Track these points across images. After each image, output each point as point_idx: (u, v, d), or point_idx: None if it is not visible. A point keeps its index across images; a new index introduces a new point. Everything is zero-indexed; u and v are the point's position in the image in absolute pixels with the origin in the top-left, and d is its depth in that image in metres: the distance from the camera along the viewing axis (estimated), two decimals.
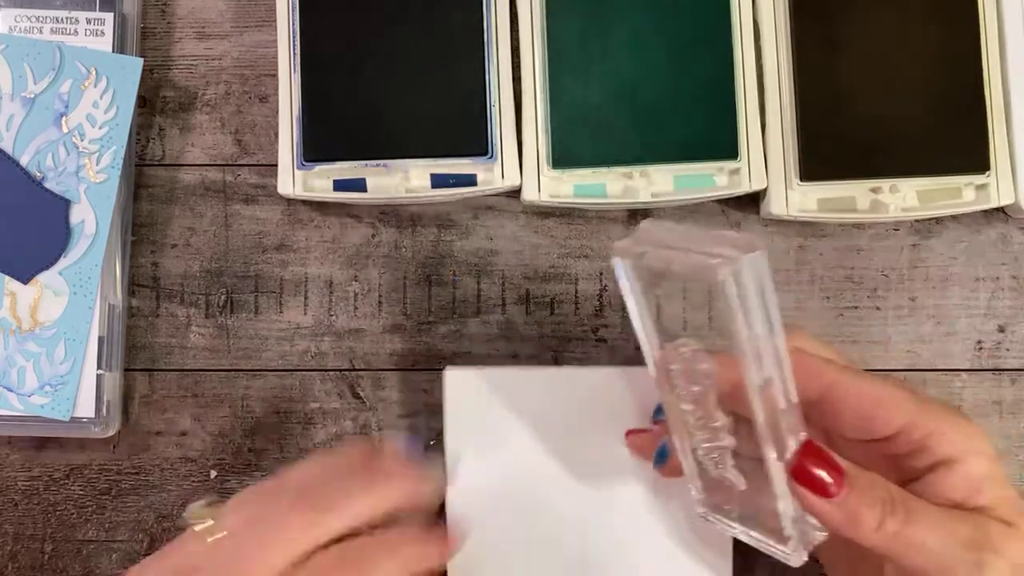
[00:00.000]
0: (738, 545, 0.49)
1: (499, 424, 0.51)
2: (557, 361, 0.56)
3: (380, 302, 0.56)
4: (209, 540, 0.42)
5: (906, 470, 0.42)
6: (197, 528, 0.43)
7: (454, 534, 0.49)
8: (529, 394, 0.51)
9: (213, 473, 0.56)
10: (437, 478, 0.49)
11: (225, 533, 0.42)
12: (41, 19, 0.55)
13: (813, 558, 0.44)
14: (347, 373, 0.56)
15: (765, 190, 0.55)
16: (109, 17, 0.55)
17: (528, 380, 0.52)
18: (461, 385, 0.51)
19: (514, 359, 0.56)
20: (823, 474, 0.40)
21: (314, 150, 0.54)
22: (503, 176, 0.54)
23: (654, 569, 0.51)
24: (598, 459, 0.51)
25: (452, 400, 0.51)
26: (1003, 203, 0.54)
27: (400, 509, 0.45)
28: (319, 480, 0.45)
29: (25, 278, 0.54)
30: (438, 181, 0.55)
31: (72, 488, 0.56)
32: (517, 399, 0.51)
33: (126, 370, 0.56)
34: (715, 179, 0.55)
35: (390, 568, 0.43)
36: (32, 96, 0.54)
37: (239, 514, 0.43)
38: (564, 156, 0.54)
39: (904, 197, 0.54)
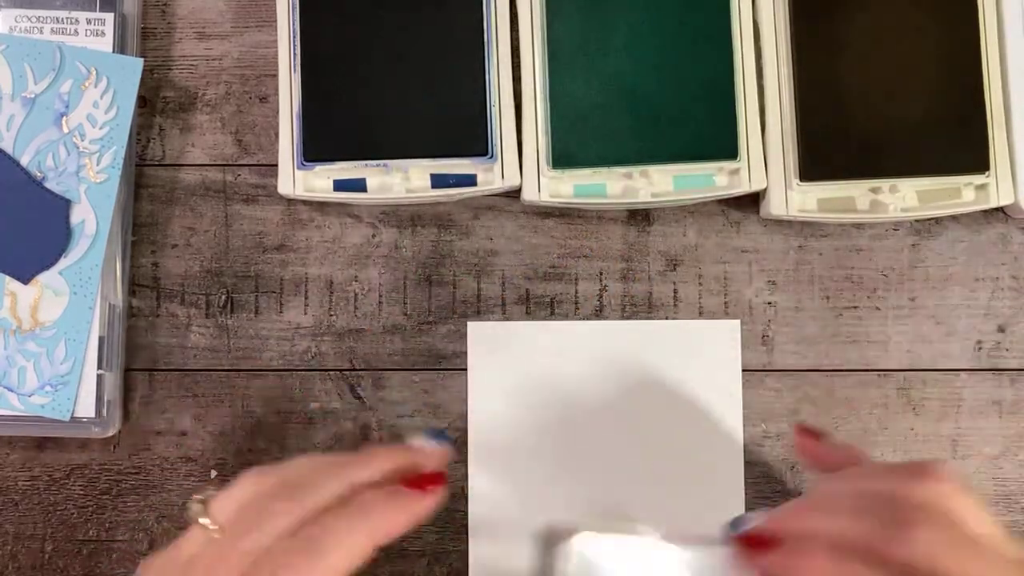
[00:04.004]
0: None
1: (518, 372, 0.56)
2: None
3: (380, 302, 0.56)
4: (210, 532, 0.43)
5: None
6: (200, 521, 0.43)
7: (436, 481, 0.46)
8: (546, 345, 0.56)
9: (213, 473, 0.56)
10: (436, 454, 0.47)
11: (218, 527, 0.43)
12: (41, 19, 0.55)
13: None
14: (347, 373, 0.56)
15: (765, 190, 0.55)
16: (109, 17, 0.55)
17: (545, 332, 0.56)
18: (482, 337, 0.56)
19: None
20: None
21: (314, 150, 0.54)
22: (503, 176, 0.54)
23: (671, 497, 0.55)
24: (611, 406, 0.56)
25: (474, 352, 0.56)
26: (1003, 203, 0.54)
27: (390, 474, 0.44)
28: (307, 466, 0.44)
29: (25, 278, 0.54)
30: (438, 181, 0.55)
31: (72, 488, 0.56)
32: (534, 349, 0.56)
33: (126, 370, 0.56)
34: (715, 179, 0.55)
35: (351, 542, 0.42)
36: (32, 96, 0.54)
37: (229, 505, 0.43)
38: (564, 156, 0.54)
39: (904, 197, 0.54)
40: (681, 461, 0.55)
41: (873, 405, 0.56)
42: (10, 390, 0.53)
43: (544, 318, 0.56)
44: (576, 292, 0.56)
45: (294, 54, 0.54)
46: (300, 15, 0.54)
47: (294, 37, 0.54)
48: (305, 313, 0.56)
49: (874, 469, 0.45)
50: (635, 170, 0.54)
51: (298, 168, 0.54)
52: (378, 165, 0.54)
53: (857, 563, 0.41)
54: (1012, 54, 0.55)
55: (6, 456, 0.56)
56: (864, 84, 0.54)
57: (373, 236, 0.57)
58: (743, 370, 0.56)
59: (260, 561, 0.41)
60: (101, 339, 0.54)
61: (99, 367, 0.54)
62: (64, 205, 0.54)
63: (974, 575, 0.40)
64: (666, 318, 0.56)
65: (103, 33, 0.55)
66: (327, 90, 0.54)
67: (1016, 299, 0.56)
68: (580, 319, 0.56)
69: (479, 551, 0.55)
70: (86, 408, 0.54)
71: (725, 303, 0.56)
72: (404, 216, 0.57)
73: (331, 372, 0.56)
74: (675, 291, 0.56)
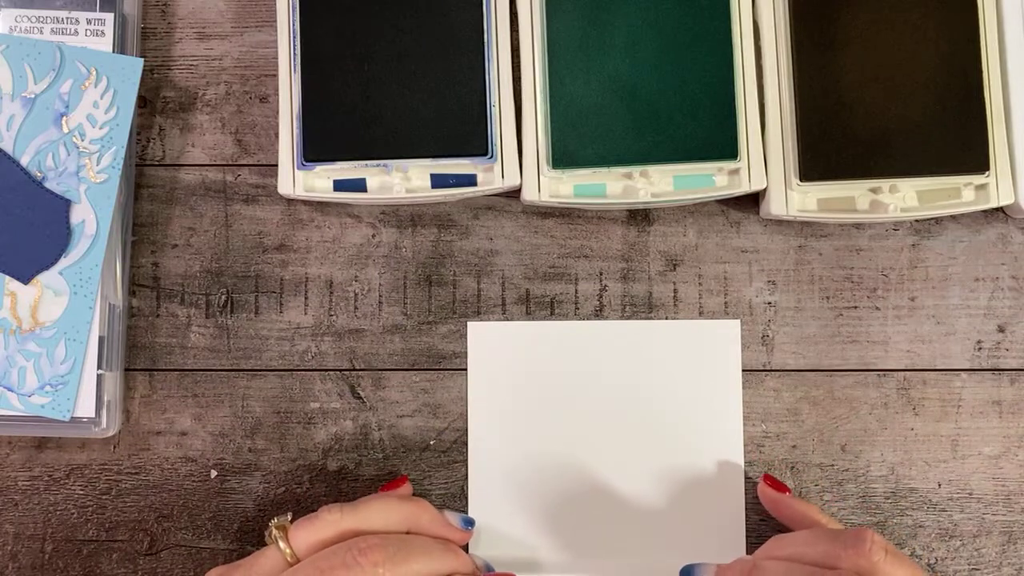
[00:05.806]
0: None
1: (518, 372, 0.56)
2: None
3: (380, 302, 0.56)
4: (287, 559, 0.48)
5: None
6: (280, 546, 0.48)
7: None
8: (546, 345, 0.56)
9: (213, 473, 0.56)
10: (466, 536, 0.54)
11: (300, 561, 0.48)
12: (41, 19, 0.55)
13: None
14: (347, 373, 0.56)
15: (765, 190, 0.55)
16: (109, 17, 0.55)
17: (545, 332, 0.56)
18: (482, 337, 0.56)
19: None
20: None
21: (314, 150, 0.54)
22: (503, 176, 0.54)
23: (671, 497, 0.55)
24: (611, 406, 0.56)
25: (474, 352, 0.56)
26: (1003, 203, 0.54)
27: None
28: (383, 515, 0.50)
29: (25, 278, 0.54)
30: (438, 181, 0.55)
31: (72, 488, 0.56)
32: (534, 349, 0.56)
33: (126, 370, 0.56)
34: (715, 179, 0.55)
35: None
36: (32, 96, 0.54)
37: (309, 539, 0.48)
38: (564, 156, 0.54)
39: (904, 197, 0.54)
40: (681, 461, 0.55)
41: (873, 405, 0.56)
42: (10, 390, 0.53)
43: (544, 318, 0.56)
44: (576, 292, 0.56)
45: (294, 54, 0.54)
46: (300, 15, 0.54)
47: (294, 37, 0.54)
48: (305, 313, 0.56)
49: (815, 537, 0.48)
50: (635, 170, 0.54)
51: (298, 168, 0.54)
52: (378, 165, 0.54)
53: None
54: (1012, 54, 0.55)
55: (6, 456, 0.56)
56: (864, 84, 0.54)
57: (373, 236, 0.57)
58: (743, 370, 0.56)
59: None
60: (101, 339, 0.54)
61: (99, 367, 0.54)
62: (64, 205, 0.54)
63: None
64: (666, 318, 0.56)
65: (103, 33, 0.55)
66: (327, 90, 0.54)
67: (1016, 299, 0.56)
68: (580, 319, 0.56)
69: (478, 550, 0.55)
70: (86, 408, 0.54)
71: (725, 303, 0.56)
72: (404, 216, 0.57)
73: (331, 372, 0.56)
74: (675, 291, 0.56)
